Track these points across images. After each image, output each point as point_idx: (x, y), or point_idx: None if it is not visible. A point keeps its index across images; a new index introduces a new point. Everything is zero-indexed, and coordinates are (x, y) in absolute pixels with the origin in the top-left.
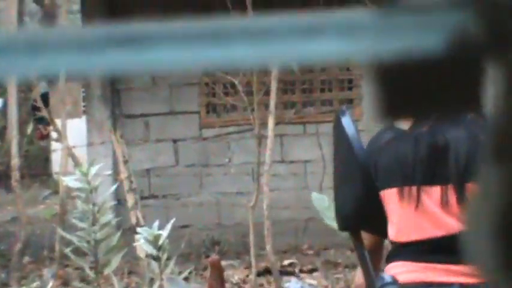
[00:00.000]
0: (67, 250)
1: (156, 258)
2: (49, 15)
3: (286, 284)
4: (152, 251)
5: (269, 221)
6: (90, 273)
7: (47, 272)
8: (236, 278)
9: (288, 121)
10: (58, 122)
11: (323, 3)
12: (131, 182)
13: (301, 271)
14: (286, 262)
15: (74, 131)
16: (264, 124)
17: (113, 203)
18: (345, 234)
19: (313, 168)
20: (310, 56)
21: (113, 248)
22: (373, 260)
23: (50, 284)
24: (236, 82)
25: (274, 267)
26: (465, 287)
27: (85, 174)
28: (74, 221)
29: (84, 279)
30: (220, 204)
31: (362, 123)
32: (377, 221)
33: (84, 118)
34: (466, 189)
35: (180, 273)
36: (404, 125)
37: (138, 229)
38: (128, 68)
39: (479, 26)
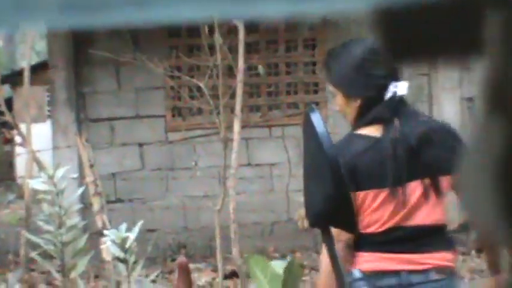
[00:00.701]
0: (34, 254)
1: (124, 261)
2: None
3: (251, 286)
4: (119, 253)
5: (235, 224)
6: (57, 277)
7: (12, 277)
8: (203, 281)
9: (254, 124)
10: (22, 126)
11: None
12: (97, 185)
13: None
14: None
15: (38, 135)
16: (230, 127)
17: (79, 206)
18: (311, 237)
19: (279, 171)
20: (315, 7)
21: (79, 251)
22: (349, 254)
23: None
24: (202, 85)
25: (241, 270)
26: (413, 272)
27: (51, 177)
28: (40, 223)
29: (50, 283)
30: (187, 208)
31: (328, 126)
32: (346, 217)
33: (48, 122)
34: (441, 181)
35: (147, 276)
36: (372, 132)
37: (106, 231)
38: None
39: None
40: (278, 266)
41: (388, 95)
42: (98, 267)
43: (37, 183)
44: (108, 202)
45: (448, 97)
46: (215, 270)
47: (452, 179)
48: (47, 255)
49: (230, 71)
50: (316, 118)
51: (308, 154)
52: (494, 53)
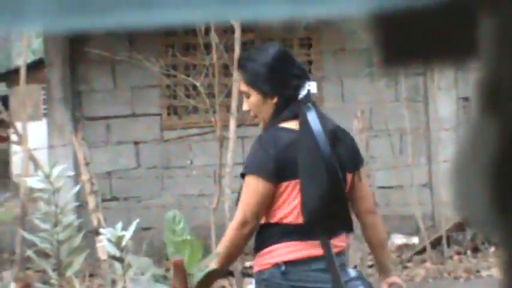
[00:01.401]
0: (30, 252)
1: (119, 259)
2: None
3: (248, 286)
4: (115, 251)
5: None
6: (53, 275)
7: (7, 275)
8: None
9: (250, 123)
10: (19, 124)
11: None
12: (92, 184)
13: None
14: (247, 264)
15: (34, 134)
16: (225, 126)
17: (75, 204)
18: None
19: None
20: (315, 11)
21: (75, 250)
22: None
23: (11, 287)
24: (197, 84)
25: (236, 269)
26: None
27: (47, 175)
28: (36, 222)
29: (46, 282)
30: (182, 206)
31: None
32: (341, 214)
33: (44, 120)
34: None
35: (142, 274)
36: (292, 126)
37: (101, 230)
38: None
39: None
40: None
41: (303, 93)
42: (93, 266)
43: (33, 182)
44: (104, 200)
45: (444, 97)
46: None
47: (354, 176)
48: (42, 254)
49: (226, 70)
50: (312, 116)
51: (304, 152)
52: (488, 54)
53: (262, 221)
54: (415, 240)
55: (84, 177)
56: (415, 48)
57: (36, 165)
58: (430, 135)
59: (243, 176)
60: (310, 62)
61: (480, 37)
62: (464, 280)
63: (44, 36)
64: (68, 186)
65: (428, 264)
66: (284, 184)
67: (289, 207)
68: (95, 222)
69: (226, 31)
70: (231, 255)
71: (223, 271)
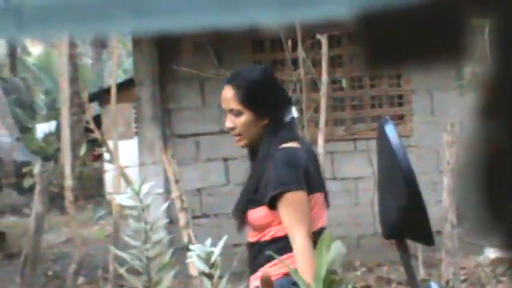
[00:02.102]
0: (122, 269)
1: (209, 276)
2: (100, 38)
3: None
4: (205, 268)
5: None
6: None
7: None
8: None
9: (338, 138)
10: (110, 143)
11: None
12: (183, 201)
13: None
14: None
15: (126, 152)
16: (314, 141)
17: (165, 221)
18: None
19: (365, 185)
20: (307, 14)
21: (165, 266)
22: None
23: None
24: None
25: None
26: None
27: (137, 193)
28: (126, 239)
29: None
30: None
31: (413, 139)
32: (421, 228)
33: (135, 139)
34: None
35: None
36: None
37: (191, 246)
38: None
39: None
40: None
41: (290, 116)
42: (184, 283)
43: (123, 199)
44: (194, 217)
45: None
46: None
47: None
48: (134, 271)
49: (314, 85)
50: (389, 129)
51: (382, 165)
52: (484, 56)
53: (272, 234)
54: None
55: (174, 194)
56: (400, 50)
57: (127, 183)
58: None
59: (273, 198)
60: (398, 76)
61: (475, 39)
62: None
63: (133, 56)
64: (158, 203)
65: None
66: (310, 197)
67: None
68: (186, 239)
69: (314, 46)
70: None
71: None
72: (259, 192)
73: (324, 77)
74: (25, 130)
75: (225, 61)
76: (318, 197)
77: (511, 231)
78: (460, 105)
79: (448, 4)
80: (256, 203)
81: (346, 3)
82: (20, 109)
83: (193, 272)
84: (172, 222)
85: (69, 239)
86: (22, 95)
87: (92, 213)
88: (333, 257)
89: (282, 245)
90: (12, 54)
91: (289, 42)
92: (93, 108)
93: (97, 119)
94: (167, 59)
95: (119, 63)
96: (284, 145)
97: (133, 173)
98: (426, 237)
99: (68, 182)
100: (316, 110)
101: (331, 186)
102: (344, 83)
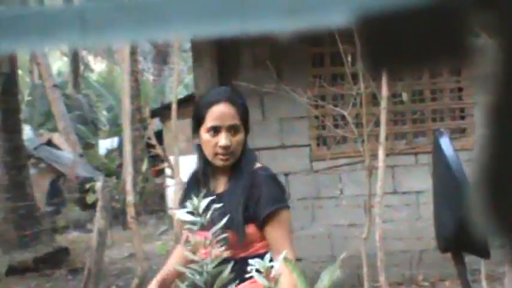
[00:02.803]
0: (182, 285)
1: None
2: (161, 54)
3: None
4: (265, 282)
5: (382, 253)
6: None
7: None
8: None
9: (399, 152)
10: (172, 158)
11: None
12: None
13: None
14: None
15: (187, 167)
16: (374, 155)
17: (224, 235)
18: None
19: (426, 198)
20: (310, 21)
21: (225, 280)
22: None
23: None
24: (346, 114)
25: None
26: None
27: (196, 208)
28: (186, 253)
29: None
30: (333, 237)
31: (474, 153)
32: (477, 241)
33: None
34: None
35: None
36: None
37: (250, 261)
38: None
39: None
40: None
41: None
42: None
43: (183, 214)
44: None
45: None
46: None
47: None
48: (196, 286)
49: (374, 99)
50: (444, 141)
51: (437, 178)
52: (492, 64)
53: (255, 250)
54: None
55: None
56: (404, 52)
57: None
58: None
59: (272, 212)
60: (460, 89)
61: (476, 39)
62: None
63: (194, 71)
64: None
65: None
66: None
67: None
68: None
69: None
70: None
71: None
72: (248, 210)
73: (384, 90)
74: (88, 146)
75: (285, 76)
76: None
77: None
78: None
79: (452, 5)
80: (246, 220)
81: (348, 8)
82: (83, 125)
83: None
84: None
85: (132, 254)
86: (85, 111)
87: (154, 229)
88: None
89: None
90: (75, 71)
91: (349, 56)
92: (155, 123)
93: (159, 135)
94: (227, 74)
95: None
96: (258, 164)
97: None
98: (482, 250)
99: (130, 198)
100: (377, 123)
101: (392, 200)
102: (404, 96)
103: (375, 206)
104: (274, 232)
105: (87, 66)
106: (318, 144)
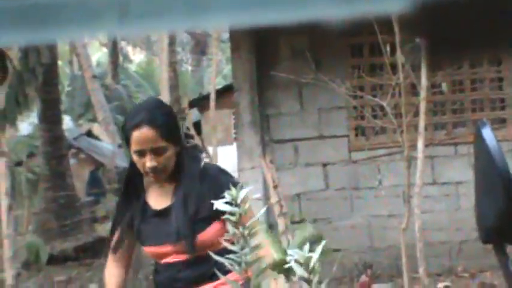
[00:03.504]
0: (221, 275)
1: (307, 281)
2: (200, 44)
3: None
4: (303, 273)
5: (422, 243)
6: None
7: None
8: None
9: (439, 142)
10: (210, 149)
11: None
12: (281, 206)
13: None
14: (440, 285)
15: (225, 157)
16: (413, 146)
17: (263, 226)
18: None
19: (466, 189)
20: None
21: (263, 271)
22: None
23: None
24: (385, 104)
25: None
26: None
27: (234, 198)
28: (224, 244)
29: None
30: (372, 227)
31: None
32: None
33: (234, 144)
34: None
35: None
36: None
37: (289, 251)
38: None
39: None
40: None
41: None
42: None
43: (221, 204)
44: (293, 222)
45: None
46: None
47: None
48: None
49: (413, 89)
50: (487, 132)
51: (479, 169)
52: None
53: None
54: None
55: (273, 199)
56: (462, 39)
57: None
58: None
59: None
60: (500, 79)
61: None
62: None
63: (232, 61)
64: (257, 209)
65: None
66: None
67: None
68: (285, 244)
69: (413, 50)
70: None
71: None
72: (202, 212)
73: (424, 81)
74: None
75: (323, 66)
76: None
77: None
78: None
79: None
80: (206, 222)
81: None
82: (122, 116)
83: (293, 277)
84: (271, 227)
85: None
86: (124, 102)
87: None
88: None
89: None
90: (114, 61)
91: (388, 47)
92: (193, 114)
93: (197, 125)
94: (265, 64)
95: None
96: (203, 162)
97: None
98: None
99: None
100: (416, 114)
101: (431, 190)
102: (443, 86)
103: (414, 197)
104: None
105: (126, 57)
106: (357, 135)
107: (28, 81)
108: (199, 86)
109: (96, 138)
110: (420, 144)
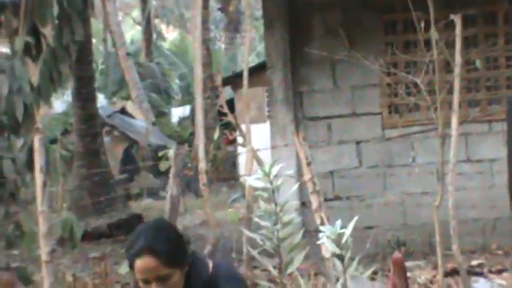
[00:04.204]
0: (254, 251)
1: (340, 257)
2: (233, 22)
3: (475, 285)
4: (335, 249)
5: (455, 221)
6: (274, 272)
7: None
8: (423, 278)
9: (473, 119)
10: (243, 126)
11: None
12: (314, 184)
13: (489, 271)
14: (474, 262)
15: (258, 135)
16: (447, 123)
17: (295, 203)
18: None
19: (500, 166)
20: None
21: (295, 247)
22: None
23: None
24: (418, 81)
25: (462, 267)
26: None
27: (267, 174)
28: (256, 220)
29: (271, 280)
30: (405, 205)
31: None
32: None
33: (268, 122)
34: None
35: (361, 273)
36: None
37: (321, 228)
38: None
39: None
40: None
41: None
42: (318, 265)
43: (254, 181)
44: (326, 200)
45: None
46: (435, 267)
47: None
48: (268, 253)
49: (447, 66)
50: None
51: (510, 141)
52: None
53: None
54: None
55: (306, 177)
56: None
57: (260, 165)
58: None
59: None
60: None
61: None
62: None
63: (265, 39)
64: (290, 186)
65: None
66: None
67: None
68: (318, 221)
69: (447, 27)
70: None
71: None
72: None
73: (458, 58)
74: (160, 114)
75: (357, 43)
76: None
77: None
78: None
79: None
80: None
81: None
82: (156, 94)
83: (326, 253)
84: (304, 205)
85: (204, 222)
86: (157, 79)
87: (226, 196)
88: None
89: None
90: (147, 39)
91: (422, 23)
92: (227, 92)
93: (230, 103)
94: (299, 42)
95: (251, 48)
96: (210, 265)
97: (265, 156)
98: None
99: (202, 165)
100: (450, 91)
101: (465, 168)
102: (477, 63)
103: (448, 174)
104: None
105: (159, 34)
106: (390, 112)
107: (62, 59)
108: (233, 63)
109: (130, 115)
110: (454, 121)
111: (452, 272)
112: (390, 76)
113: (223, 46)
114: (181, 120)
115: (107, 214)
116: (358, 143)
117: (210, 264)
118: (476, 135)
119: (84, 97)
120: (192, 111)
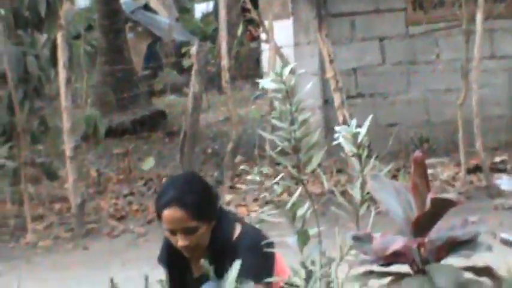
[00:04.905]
0: (272, 152)
1: (357, 156)
2: None
3: (498, 181)
4: (352, 148)
5: (479, 118)
6: (293, 172)
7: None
8: (445, 175)
9: (498, 15)
10: (266, 23)
11: None
12: (337, 81)
13: None
14: (497, 159)
15: (281, 32)
16: (472, 19)
17: (312, 101)
18: None
19: None
20: None
21: (313, 146)
22: None
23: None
24: None
25: (485, 164)
26: None
27: (279, 75)
28: (273, 121)
29: (293, 177)
30: (428, 102)
31: None
32: None
33: (291, 19)
34: None
35: (380, 171)
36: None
37: (336, 127)
38: None
39: None
40: None
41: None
42: (340, 161)
43: (265, 82)
44: (349, 97)
45: None
46: (458, 164)
47: None
48: (286, 152)
49: None
50: None
51: None
52: None
53: None
54: None
55: (329, 74)
56: None
57: (283, 62)
58: None
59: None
60: None
61: None
62: None
63: None
64: (313, 84)
65: None
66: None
67: None
68: (341, 119)
69: None
70: None
71: None
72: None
73: None
74: (184, 10)
75: None
76: None
77: None
78: None
79: None
80: None
81: None
82: None
83: (348, 152)
84: (327, 102)
85: (227, 118)
86: None
87: (249, 93)
88: None
89: None
90: None
91: None
92: None
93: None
94: None
95: None
96: (238, 229)
97: (288, 53)
98: None
99: (225, 62)
100: None
101: (489, 64)
102: None
103: (472, 71)
104: None
105: None
106: (414, 8)
107: None
108: None
109: (153, 11)
110: (479, 17)
111: (475, 169)
112: None
113: None
114: (204, 16)
115: (131, 110)
116: (381, 39)
117: (238, 229)
118: (501, 31)
119: None
120: (216, 6)
